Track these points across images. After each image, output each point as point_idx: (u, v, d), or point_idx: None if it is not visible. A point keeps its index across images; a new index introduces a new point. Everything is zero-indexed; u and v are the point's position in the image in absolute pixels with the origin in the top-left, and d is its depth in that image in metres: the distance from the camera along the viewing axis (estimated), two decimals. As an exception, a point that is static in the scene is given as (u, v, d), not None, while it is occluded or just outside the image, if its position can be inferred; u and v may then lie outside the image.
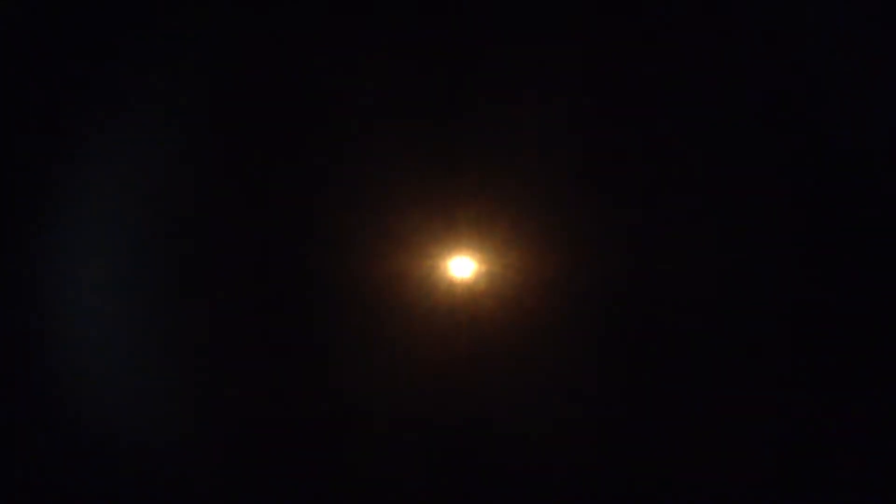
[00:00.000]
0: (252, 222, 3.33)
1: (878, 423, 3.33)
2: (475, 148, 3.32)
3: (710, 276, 3.32)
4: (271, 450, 3.32)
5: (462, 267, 3.33)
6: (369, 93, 3.35)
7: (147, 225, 3.38)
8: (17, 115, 3.47)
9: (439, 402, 3.29)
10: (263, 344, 3.32)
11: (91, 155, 3.45)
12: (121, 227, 3.41)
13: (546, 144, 3.34)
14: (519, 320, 3.28)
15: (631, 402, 3.31)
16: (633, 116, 3.36)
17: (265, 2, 3.42)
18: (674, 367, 3.31)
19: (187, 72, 3.43)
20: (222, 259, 3.34)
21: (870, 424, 3.33)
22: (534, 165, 3.33)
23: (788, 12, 3.45)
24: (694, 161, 3.35)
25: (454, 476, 3.32)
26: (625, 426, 3.31)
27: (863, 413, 3.33)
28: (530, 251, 3.30)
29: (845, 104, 3.44)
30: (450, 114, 3.34)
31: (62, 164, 3.45)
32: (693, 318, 3.31)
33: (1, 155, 3.47)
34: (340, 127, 3.35)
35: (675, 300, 3.31)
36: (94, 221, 3.43)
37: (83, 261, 3.42)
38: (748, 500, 3.33)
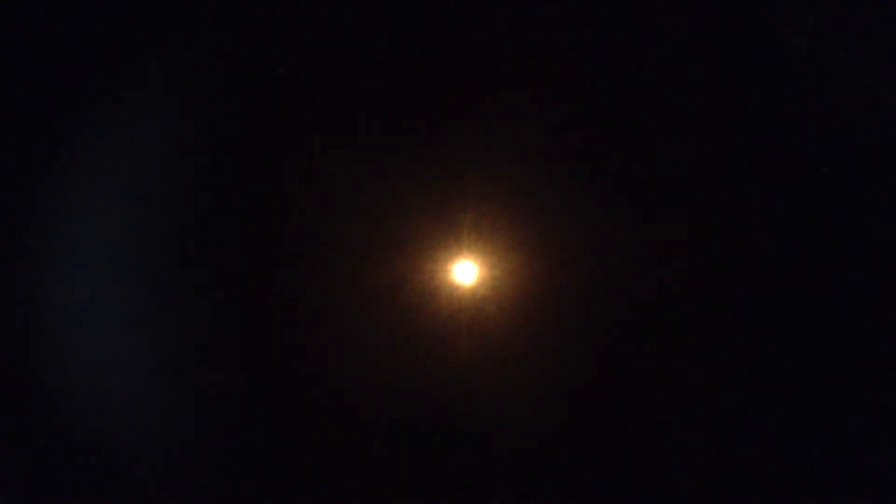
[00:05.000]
0: (255, 227, 3.33)
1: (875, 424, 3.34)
2: (479, 154, 3.33)
3: (710, 280, 3.33)
4: (272, 451, 3.32)
5: (465, 271, 3.33)
6: (374, 98, 3.35)
7: (152, 228, 3.38)
8: (17, 116, 3.47)
9: (441, 404, 3.29)
10: (266, 346, 3.32)
11: (91, 157, 3.44)
12: (122, 230, 3.41)
13: (549, 151, 3.35)
14: (521, 324, 3.28)
15: (631, 404, 3.31)
16: (635, 123, 3.36)
17: (267, 5, 3.41)
18: (674, 369, 3.31)
19: (192, 74, 3.43)
20: (224, 263, 3.34)
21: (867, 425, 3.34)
22: (536, 172, 3.34)
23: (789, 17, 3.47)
24: (694, 166, 3.36)
25: (456, 478, 3.32)
26: (625, 428, 3.32)
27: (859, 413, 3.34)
28: (533, 256, 3.30)
29: (844, 105, 3.45)
30: (454, 120, 3.34)
31: (61, 166, 3.45)
32: (694, 321, 3.32)
33: (1, 155, 3.46)
34: (344, 132, 3.35)
35: (677, 304, 3.32)
36: (94, 224, 3.42)
37: (83, 263, 3.42)
38: (746, 500, 3.34)
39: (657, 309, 3.32)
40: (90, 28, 3.46)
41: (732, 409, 3.34)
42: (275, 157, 3.36)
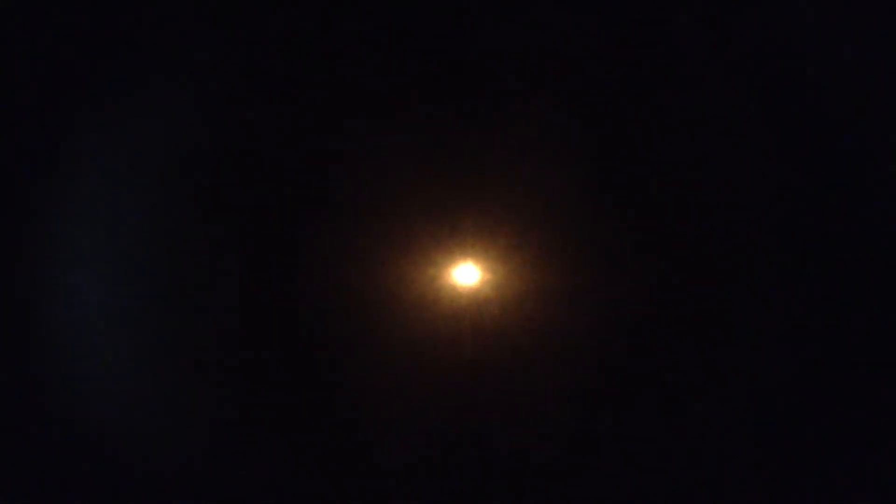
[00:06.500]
0: (254, 228, 3.33)
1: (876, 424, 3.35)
2: (479, 154, 3.33)
3: (714, 282, 3.33)
4: (271, 455, 3.33)
5: (466, 274, 3.33)
6: (374, 98, 3.35)
7: (150, 230, 3.38)
8: (16, 116, 3.47)
9: (442, 409, 3.30)
10: (266, 349, 3.32)
11: (90, 158, 3.45)
12: (121, 230, 3.41)
13: (551, 152, 3.35)
14: (523, 327, 3.28)
15: (634, 409, 3.32)
16: (638, 123, 3.36)
17: (264, 4, 3.41)
18: (677, 370, 3.32)
19: (187, 75, 3.42)
20: (223, 265, 3.34)
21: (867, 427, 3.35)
22: (539, 173, 3.33)
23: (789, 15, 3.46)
24: (697, 168, 3.36)
25: (456, 484, 3.32)
26: (628, 433, 3.32)
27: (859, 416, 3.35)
28: (534, 258, 3.30)
29: (846, 104, 3.45)
30: (455, 120, 3.34)
31: (60, 167, 3.45)
32: (697, 321, 3.32)
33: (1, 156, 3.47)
34: (344, 132, 3.35)
35: (680, 304, 3.32)
36: (93, 224, 3.43)
37: (82, 264, 3.42)
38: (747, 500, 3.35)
39: (660, 310, 3.32)
40: (93, 25, 3.46)
41: (734, 410, 3.35)
42: (274, 157, 3.36)
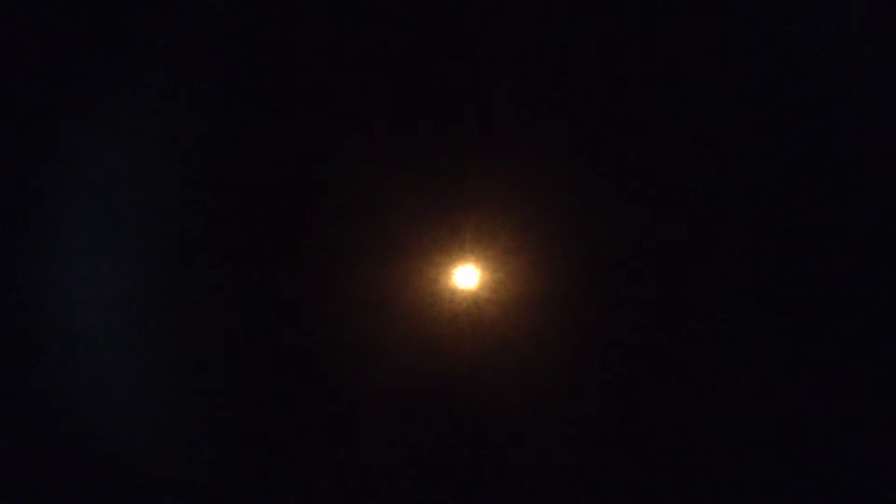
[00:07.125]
0: (255, 230, 3.33)
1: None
2: (480, 157, 3.32)
3: (713, 282, 3.33)
4: (272, 455, 3.33)
5: (466, 276, 3.33)
6: (374, 100, 3.34)
7: (150, 229, 3.38)
8: (16, 116, 3.46)
9: (442, 409, 3.30)
10: (266, 350, 3.32)
11: (90, 157, 3.44)
12: (122, 230, 3.41)
13: (550, 155, 3.34)
14: (522, 329, 3.28)
15: (632, 409, 3.32)
16: (639, 125, 3.36)
17: (268, 3, 3.41)
18: (678, 371, 3.32)
19: (189, 72, 3.42)
20: (224, 265, 3.34)
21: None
22: (538, 176, 3.33)
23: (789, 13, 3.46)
24: (698, 170, 3.36)
25: (456, 482, 3.33)
26: (628, 434, 3.32)
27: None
28: (534, 261, 3.30)
29: (846, 104, 3.44)
30: (455, 122, 3.34)
31: (60, 166, 3.45)
32: (697, 323, 3.32)
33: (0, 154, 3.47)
34: (345, 135, 3.34)
35: (679, 307, 3.32)
36: (94, 225, 3.42)
37: (82, 264, 3.42)
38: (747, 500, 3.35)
39: (660, 311, 3.32)
40: (93, 25, 3.46)
41: (733, 410, 3.35)
42: (275, 159, 3.35)
